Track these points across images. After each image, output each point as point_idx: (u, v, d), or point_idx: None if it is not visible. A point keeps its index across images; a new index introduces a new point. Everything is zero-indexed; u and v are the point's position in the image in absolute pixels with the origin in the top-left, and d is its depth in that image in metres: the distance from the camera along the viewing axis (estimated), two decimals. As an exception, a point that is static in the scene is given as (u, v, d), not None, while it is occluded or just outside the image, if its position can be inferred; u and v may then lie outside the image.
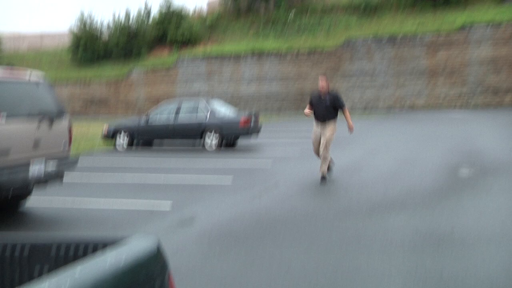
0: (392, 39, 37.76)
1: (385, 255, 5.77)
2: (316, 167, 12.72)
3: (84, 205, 9.16)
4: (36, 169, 7.83)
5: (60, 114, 8.57)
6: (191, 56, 41.80)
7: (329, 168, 10.97)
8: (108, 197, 9.82)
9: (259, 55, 40.37)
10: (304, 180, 10.99)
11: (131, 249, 2.03)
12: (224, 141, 17.64)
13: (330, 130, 10.69)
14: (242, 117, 17.59)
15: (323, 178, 10.60)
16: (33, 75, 8.46)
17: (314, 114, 10.82)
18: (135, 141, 18.47)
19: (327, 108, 10.67)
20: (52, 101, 8.53)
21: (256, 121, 18.38)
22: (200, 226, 7.43)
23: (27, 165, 7.68)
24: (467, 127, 22.25)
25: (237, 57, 40.78)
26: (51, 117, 8.31)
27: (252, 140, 19.41)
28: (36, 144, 7.91)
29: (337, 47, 38.78)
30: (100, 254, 1.95)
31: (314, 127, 10.89)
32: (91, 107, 43.95)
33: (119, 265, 1.86)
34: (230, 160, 14.52)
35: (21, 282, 2.35)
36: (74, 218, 8.27)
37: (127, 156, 16.46)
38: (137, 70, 42.92)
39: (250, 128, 17.53)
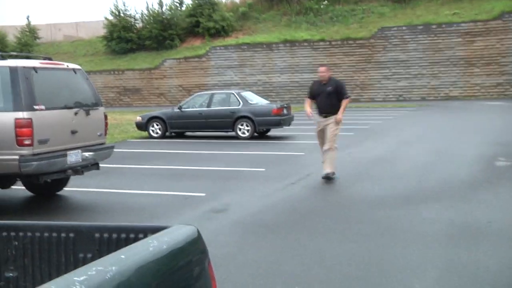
0: (427, 28, 37.20)
1: (420, 247, 5.74)
2: (349, 157, 12.66)
3: (120, 192, 9.33)
4: (73, 156, 7.99)
5: (96, 103, 8.71)
6: (223, 46, 41.89)
7: (328, 177, 9.68)
8: (143, 184, 9.96)
9: (291, 44, 40.24)
10: (337, 170, 10.97)
11: (172, 237, 2.07)
12: (256, 131, 17.69)
13: (333, 124, 9.63)
14: (274, 108, 17.61)
15: (327, 176, 9.60)
16: (70, 65, 8.62)
17: (317, 106, 9.76)
18: (168, 131, 18.64)
19: (330, 96, 9.57)
20: (89, 90, 8.68)
21: (288, 111, 18.36)
22: (234, 214, 7.50)
23: (65, 152, 7.84)
24: (504, 116, 21.83)
25: (269, 47, 40.72)
26: (88, 107, 8.46)
27: (284, 131, 19.41)
28: (73, 133, 8.07)
29: (370, 36, 38.39)
30: (143, 240, 2.00)
31: (316, 119, 9.79)
32: (124, 96, 44.48)
33: (161, 250, 1.91)
34: (262, 150, 14.56)
35: (67, 267, 2.42)
36: (110, 204, 8.43)
37: (160, 145, 16.64)
38: (169, 60, 43.22)
39: (282, 118, 17.53)
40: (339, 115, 9.62)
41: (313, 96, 9.82)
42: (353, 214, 7.32)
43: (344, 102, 9.62)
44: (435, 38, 36.95)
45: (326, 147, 9.65)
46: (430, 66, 37.03)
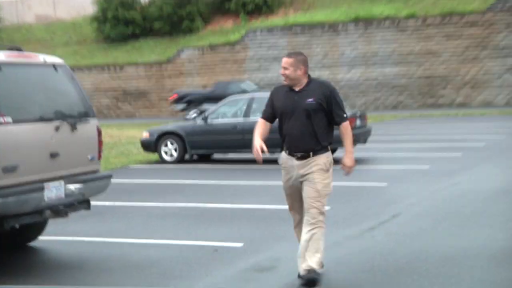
0: None
1: None
2: (457, 190, 12.49)
3: (120, 241, 9.39)
4: (54, 191, 8.10)
5: (86, 113, 8.84)
6: (266, 28, 42.09)
7: (312, 280, 7.14)
8: (152, 231, 10.02)
9: (366, 24, 40.15)
10: (436, 210, 10.86)
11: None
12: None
13: (321, 173, 7.27)
14: (343, 117, 17.53)
15: (309, 279, 7.11)
16: (48, 58, 8.78)
17: (283, 137, 7.41)
18: (187, 153, 18.76)
19: (310, 117, 7.22)
20: (76, 95, 8.81)
21: (363, 122, 18.26)
22: (285, 274, 7.47)
23: (41, 185, 7.95)
24: None
25: (333, 29, 40.74)
26: (74, 118, 8.58)
27: (357, 150, 19.32)
28: (53, 156, 8.18)
29: (486, 9, 37.99)
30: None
31: (283, 167, 7.48)
32: (124, 103, 45.06)
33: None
34: (326, 180, 14.51)
35: None
36: (106, 259, 8.48)
37: (176, 173, 16.73)
38: (188, 50, 43.66)
39: (353, 133, 17.42)
40: (348, 158, 7.49)
41: (273, 115, 7.51)
42: (464, 275, 7.21)
43: (346, 131, 7.36)
44: None
45: (307, 221, 7.26)
46: None
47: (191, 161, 18.86)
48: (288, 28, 41.57)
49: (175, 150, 18.82)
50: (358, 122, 17.85)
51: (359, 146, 18.37)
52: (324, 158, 7.30)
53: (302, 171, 7.29)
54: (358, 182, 14.06)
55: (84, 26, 50.01)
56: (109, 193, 9.84)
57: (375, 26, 40.00)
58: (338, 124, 7.34)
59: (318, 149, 7.28)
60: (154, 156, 19.38)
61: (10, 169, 7.63)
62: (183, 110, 37.49)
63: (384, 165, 16.81)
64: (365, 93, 39.90)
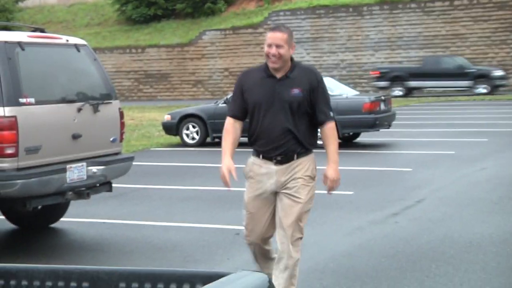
0: None
1: None
2: (483, 176, 12.46)
3: (141, 224, 9.48)
4: (76, 172, 8.18)
5: (108, 95, 8.90)
6: (289, 10, 42.00)
7: None
8: (173, 214, 10.12)
9: (392, 6, 39.95)
10: (461, 196, 10.84)
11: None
12: (340, 136, 17.63)
13: (307, 181, 5.94)
14: (366, 101, 17.52)
15: None
16: (71, 39, 8.85)
17: (256, 136, 6.00)
18: (209, 136, 18.82)
19: (292, 111, 5.88)
20: (98, 76, 8.87)
21: (388, 106, 18.22)
22: (309, 259, 7.49)
23: (63, 167, 8.03)
24: None
25: (357, 11, 40.58)
26: (97, 100, 8.65)
27: (381, 135, 19.30)
28: (75, 137, 8.26)
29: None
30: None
31: (250, 176, 6.12)
32: (146, 85, 45.21)
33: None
34: (350, 164, 14.51)
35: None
36: (128, 241, 8.58)
37: (198, 156, 16.82)
38: (210, 32, 43.68)
39: (378, 117, 17.43)
40: (332, 168, 5.99)
41: (245, 110, 6.01)
42: (489, 262, 7.20)
43: (332, 131, 5.97)
44: None
45: (282, 259, 5.86)
46: None
47: (212, 144, 18.92)
48: (312, 10, 41.46)
49: (197, 133, 18.88)
50: (382, 106, 17.83)
51: (383, 130, 18.34)
52: (311, 162, 5.95)
53: (283, 179, 5.82)
54: (382, 167, 14.07)
55: (106, 8, 50.13)
56: (130, 176, 9.92)
57: (400, 8, 39.79)
58: (321, 123, 5.88)
59: (302, 152, 5.89)
60: (175, 139, 19.46)
61: (32, 150, 7.71)
62: (386, 88, 35.79)
63: (409, 150, 16.77)
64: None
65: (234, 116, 5.95)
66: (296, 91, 5.79)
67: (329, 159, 5.92)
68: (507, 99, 32.11)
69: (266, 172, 5.87)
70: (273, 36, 5.76)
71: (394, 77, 36.39)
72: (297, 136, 5.83)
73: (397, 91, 35.75)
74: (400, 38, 39.75)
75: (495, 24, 37.83)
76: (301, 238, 5.85)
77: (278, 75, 5.82)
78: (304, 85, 5.81)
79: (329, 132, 5.89)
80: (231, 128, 5.97)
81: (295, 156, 5.85)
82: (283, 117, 5.80)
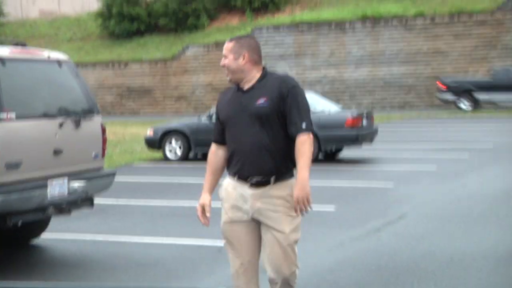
0: None
1: None
2: (464, 192, 12.49)
3: (124, 240, 9.44)
4: (57, 188, 8.13)
5: (90, 110, 8.87)
6: (273, 25, 42.10)
7: None
8: (156, 229, 10.06)
9: (374, 23, 40.11)
10: (443, 212, 10.85)
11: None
12: (322, 151, 17.65)
13: (289, 210, 5.37)
14: (349, 117, 17.56)
15: None
16: (52, 54, 8.81)
17: (228, 158, 5.53)
18: (192, 151, 18.79)
19: (261, 126, 5.33)
20: (80, 91, 8.84)
21: (370, 121, 18.26)
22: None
23: (44, 182, 7.98)
24: None
25: (340, 27, 40.69)
26: (79, 115, 8.61)
27: (363, 150, 19.33)
28: (57, 153, 8.22)
29: (496, 8, 37.94)
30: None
31: (224, 200, 5.63)
32: (128, 100, 45.11)
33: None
34: (332, 179, 14.53)
35: None
36: (110, 257, 8.53)
37: (181, 172, 16.75)
38: (193, 47, 43.69)
39: (360, 133, 17.46)
40: (300, 185, 5.25)
41: (222, 130, 5.53)
42: (471, 278, 7.21)
43: (304, 144, 5.28)
44: None
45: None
46: None
47: (195, 159, 18.88)
48: (295, 26, 41.54)
49: (180, 148, 18.84)
50: (364, 122, 17.87)
51: (366, 146, 18.38)
52: (293, 186, 5.28)
53: (258, 205, 5.25)
54: (365, 182, 14.08)
55: (89, 22, 50.05)
56: (112, 191, 9.87)
57: (382, 24, 39.94)
58: (293, 135, 5.25)
59: (282, 172, 5.28)
60: (158, 154, 19.40)
61: (13, 166, 7.66)
62: (452, 101, 34.41)
63: (391, 165, 16.80)
64: (371, 92, 39.81)
65: (216, 141, 5.54)
66: (261, 100, 5.28)
67: (298, 175, 5.20)
68: (488, 116, 32.21)
69: (241, 196, 5.31)
70: (225, 48, 5.52)
71: (462, 90, 34.27)
72: (272, 152, 5.23)
73: (464, 105, 34.02)
74: (382, 54, 39.87)
75: (475, 41, 38.06)
76: (295, 271, 5.37)
77: (246, 87, 5.42)
78: (271, 94, 5.28)
79: (299, 146, 5.20)
80: (212, 158, 5.57)
81: (272, 179, 5.25)
82: (251, 131, 5.26)
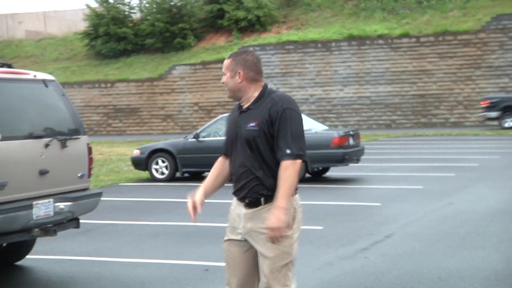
0: None
1: None
2: (450, 210, 12.49)
3: (110, 260, 9.38)
4: (42, 209, 8.08)
5: (76, 131, 8.83)
6: (259, 45, 42.21)
7: None
8: (143, 250, 10.01)
9: (360, 43, 40.31)
10: (430, 231, 10.86)
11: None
12: (309, 171, 17.66)
13: (276, 232, 4.97)
14: (335, 136, 17.59)
15: None
16: (38, 74, 8.79)
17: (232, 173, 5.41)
18: (179, 171, 18.76)
19: (252, 150, 5.18)
20: (66, 112, 8.81)
21: (356, 140, 18.29)
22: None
23: (29, 203, 7.93)
24: None
25: (326, 47, 40.87)
26: (65, 136, 8.58)
27: (349, 170, 19.35)
28: (42, 174, 8.17)
29: (480, 29, 38.19)
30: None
31: (228, 219, 5.45)
32: (115, 120, 45.06)
33: None
34: (318, 199, 14.52)
35: None
36: (96, 277, 8.47)
37: (167, 191, 16.72)
38: (180, 67, 43.75)
39: (347, 152, 17.49)
40: (275, 215, 4.95)
41: (229, 147, 5.44)
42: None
43: (286, 171, 5.02)
44: None
45: None
46: None
47: (182, 179, 18.84)
48: (281, 46, 41.69)
49: (166, 168, 18.81)
50: (351, 141, 17.90)
51: (352, 165, 18.39)
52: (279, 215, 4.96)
53: (249, 226, 5.15)
54: (351, 201, 14.07)
55: (75, 42, 50.07)
56: (98, 211, 9.83)
57: (368, 44, 40.15)
58: (279, 160, 5.03)
59: (271, 195, 5.06)
60: (145, 174, 19.36)
61: (-2, 187, 7.61)
62: (496, 118, 33.35)
63: (377, 184, 16.81)
64: (358, 111, 39.96)
65: (224, 153, 5.43)
66: (252, 124, 5.11)
67: (276, 203, 4.95)
68: (473, 134, 32.33)
69: (238, 215, 5.23)
70: (224, 65, 5.32)
71: (506, 107, 33.06)
72: (262, 175, 5.08)
73: (509, 123, 32.93)
74: (368, 74, 40.06)
75: (460, 61, 38.31)
76: None
77: (244, 106, 5.25)
78: (262, 117, 5.08)
79: (280, 172, 4.97)
80: (218, 165, 5.46)
81: (262, 200, 5.10)
82: (243, 153, 5.15)
